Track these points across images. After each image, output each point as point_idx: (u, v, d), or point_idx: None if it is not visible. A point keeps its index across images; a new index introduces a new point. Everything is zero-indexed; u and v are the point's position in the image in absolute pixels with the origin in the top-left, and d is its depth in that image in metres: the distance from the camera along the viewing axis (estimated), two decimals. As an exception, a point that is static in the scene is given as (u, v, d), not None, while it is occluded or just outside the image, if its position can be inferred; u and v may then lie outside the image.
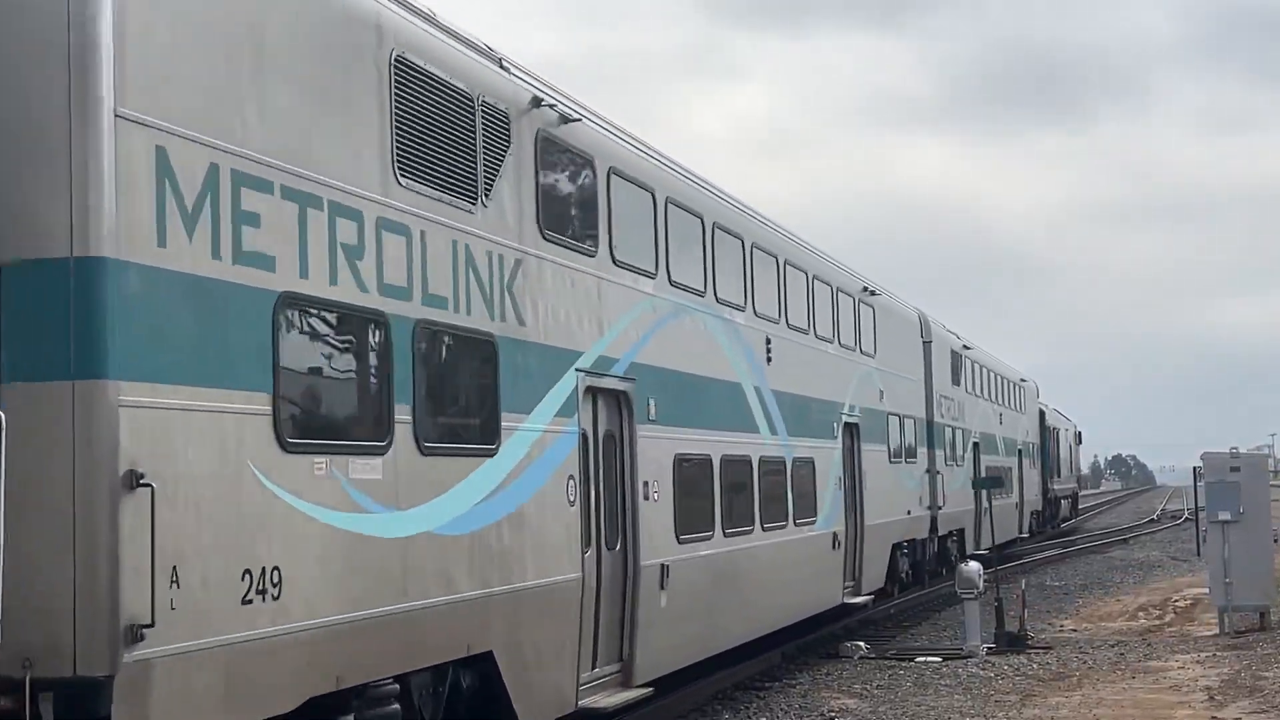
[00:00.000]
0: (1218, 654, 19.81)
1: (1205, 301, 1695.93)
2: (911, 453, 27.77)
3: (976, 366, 37.70)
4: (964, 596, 21.47)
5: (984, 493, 32.39)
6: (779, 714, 16.21)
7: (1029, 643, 21.36)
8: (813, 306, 21.23)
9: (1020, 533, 44.09)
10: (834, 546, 21.49)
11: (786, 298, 19.83)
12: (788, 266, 20.09)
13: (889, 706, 16.43)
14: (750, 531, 17.46)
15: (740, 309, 17.95)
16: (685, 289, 15.97)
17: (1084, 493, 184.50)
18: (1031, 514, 48.74)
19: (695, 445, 15.86)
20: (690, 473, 15.62)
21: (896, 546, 26.70)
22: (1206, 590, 24.40)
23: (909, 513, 27.39)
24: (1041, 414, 55.13)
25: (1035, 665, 19.44)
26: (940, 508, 29.84)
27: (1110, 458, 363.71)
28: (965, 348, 35.74)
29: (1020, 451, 45.86)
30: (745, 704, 16.99)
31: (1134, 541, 51.30)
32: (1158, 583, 32.44)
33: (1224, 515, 22.40)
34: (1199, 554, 37.42)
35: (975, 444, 35.97)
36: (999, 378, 42.78)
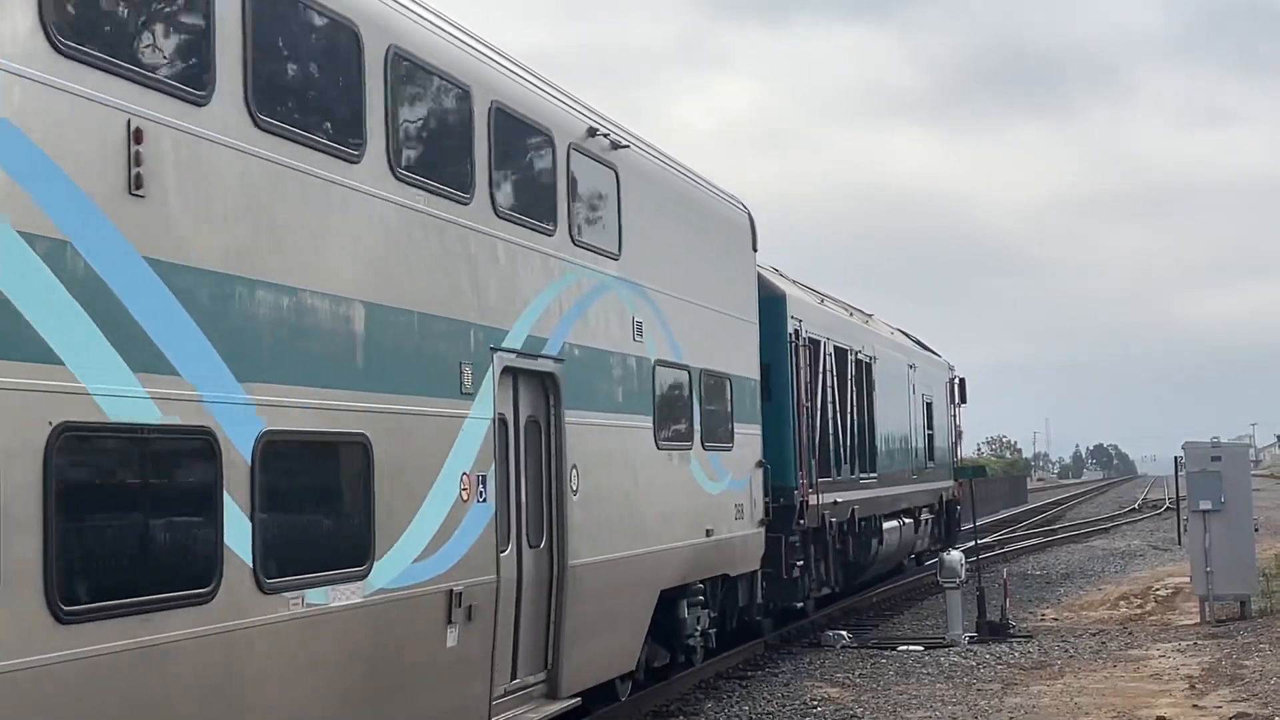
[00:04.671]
0: (1199, 643, 19.88)
1: (1188, 294, 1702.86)
2: None
3: None
4: (946, 586, 21.53)
5: None
6: (761, 703, 16.23)
7: (1011, 632, 21.42)
8: None
9: None
10: None
11: None
12: None
13: (871, 695, 16.47)
14: None
15: None
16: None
17: (1065, 483, 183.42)
18: (653, 598, 14.80)
19: None
20: None
21: None
22: (1188, 579, 24.51)
23: None
24: (776, 302, 20.62)
25: (1017, 654, 19.49)
26: None
27: (1092, 447, 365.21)
28: None
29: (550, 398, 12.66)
30: (728, 693, 17.01)
31: (1115, 531, 51.47)
32: (1139, 572, 32.54)
33: (1205, 505, 22.48)
34: (1180, 543, 37.64)
35: None
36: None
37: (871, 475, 25.44)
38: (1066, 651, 19.62)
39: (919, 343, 34.66)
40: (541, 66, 13.47)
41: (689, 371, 16.06)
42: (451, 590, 10.50)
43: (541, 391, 12.55)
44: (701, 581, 16.44)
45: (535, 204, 12.59)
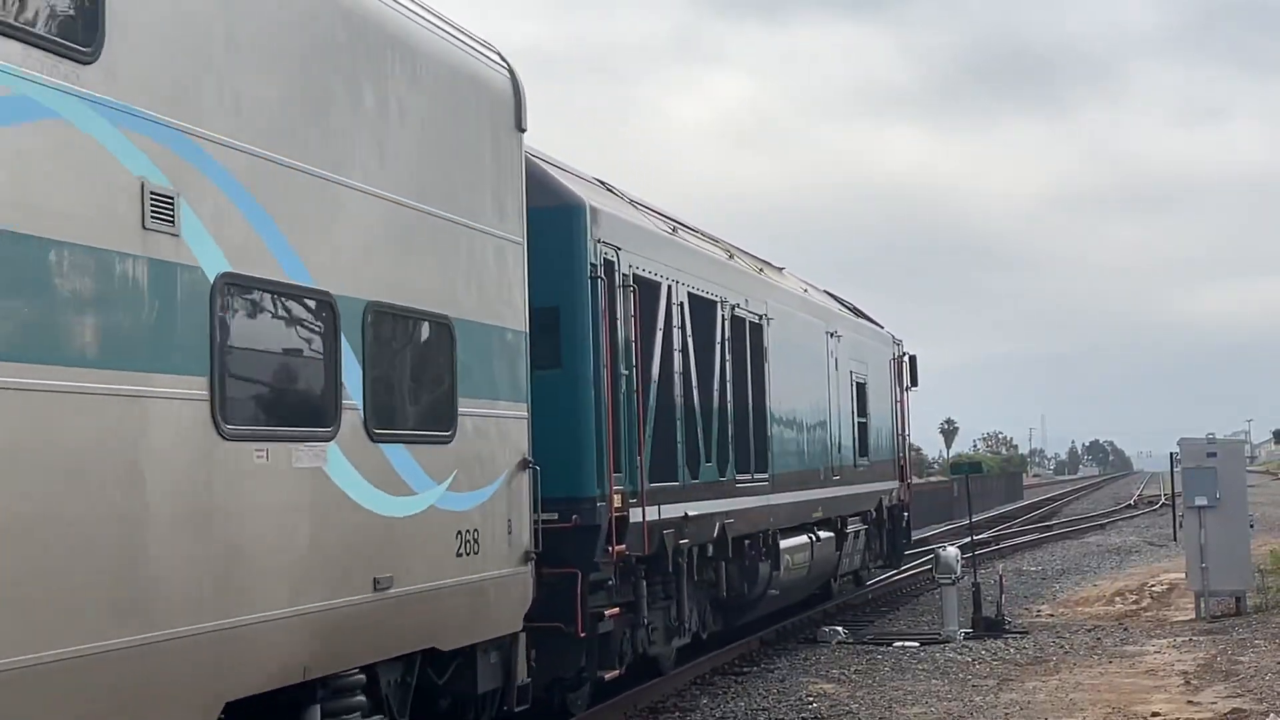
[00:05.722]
0: (1194, 639, 19.89)
1: (1184, 290, 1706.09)
2: None
3: None
4: (942, 582, 21.54)
5: None
6: (757, 699, 16.23)
7: (1006, 628, 21.43)
8: None
9: None
10: None
11: None
12: None
13: (866, 691, 16.46)
14: None
15: None
16: None
17: (1061, 479, 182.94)
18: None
19: None
20: None
21: None
22: (1183, 575, 24.51)
23: None
24: (565, 214, 13.75)
25: (1012, 650, 19.49)
26: None
27: (1088, 443, 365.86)
28: None
29: None
30: (724, 689, 17.01)
31: (1111, 527, 51.47)
32: (1135, 568, 32.55)
33: (1201, 501, 22.49)
34: (1176, 539, 37.63)
35: None
36: None
37: (761, 477, 18.79)
38: (1062, 647, 19.62)
39: (855, 309, 27.25)
40: (539, 62, 12.27)
41: (331, 304, 9.11)
42: None
43: None
44: (363, 668, 9.42)
45: None
